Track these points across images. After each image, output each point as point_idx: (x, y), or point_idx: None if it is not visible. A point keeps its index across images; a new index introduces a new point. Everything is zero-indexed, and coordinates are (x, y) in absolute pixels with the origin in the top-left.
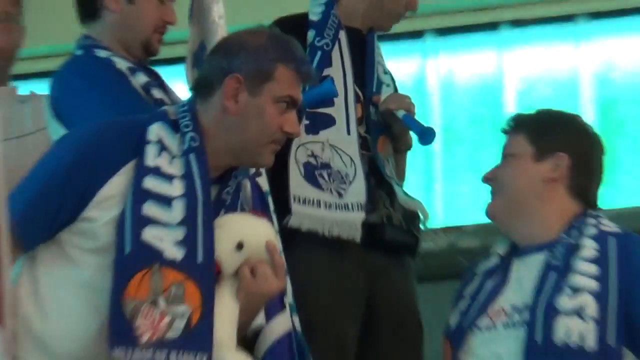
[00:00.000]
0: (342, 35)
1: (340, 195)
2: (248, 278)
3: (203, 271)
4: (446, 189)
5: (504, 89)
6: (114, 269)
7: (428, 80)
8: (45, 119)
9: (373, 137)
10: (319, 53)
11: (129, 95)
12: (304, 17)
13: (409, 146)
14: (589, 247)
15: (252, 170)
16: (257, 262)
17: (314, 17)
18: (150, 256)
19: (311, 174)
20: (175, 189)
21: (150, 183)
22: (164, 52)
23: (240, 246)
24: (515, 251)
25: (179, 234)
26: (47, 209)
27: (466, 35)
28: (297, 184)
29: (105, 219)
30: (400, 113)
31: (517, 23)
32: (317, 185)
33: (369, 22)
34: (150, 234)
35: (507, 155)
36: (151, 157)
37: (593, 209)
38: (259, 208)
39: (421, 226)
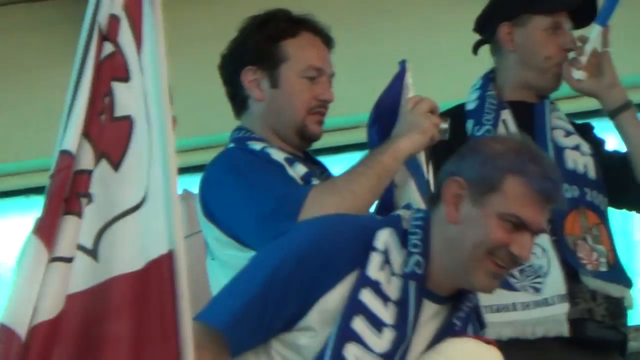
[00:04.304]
0: (507, 114)
1: (537, 290)
2: None
3: None
4: None
5: None
6: None
7: None
8: (198, 220)
9: (558, 218)
10: None
11: (286, 184)
12: (460, 107)
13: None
14: None
15: None
16: None
17: (470, 105)
18: None
19: None
20: (389, 315)
21: (367, 297)
22: (330, 140)
23: None
24: None
25: None
26: (266, 309)
27: None
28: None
29: (323, 336)
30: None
31: None
32: (509, 287)
33: (529, 88)
34: (351, 352)
35: None
36: (374, 268)
37: None
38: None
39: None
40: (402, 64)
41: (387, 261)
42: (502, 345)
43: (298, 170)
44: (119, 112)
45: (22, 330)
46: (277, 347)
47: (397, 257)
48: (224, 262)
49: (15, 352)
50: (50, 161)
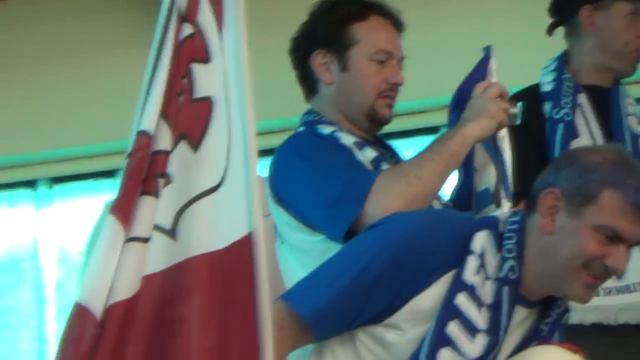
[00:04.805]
0: (582, 97)
1: (618, 276)
2: None
3: None
4: None
5: None
6: None
7: None
8: (267, 204)
9: None
10: (561, 126)
11: (354, 169)
12: (535, 89)
13: None
14: None
15: None
16: None
17: (546, 87)
18: None
19: None
20: (482, 319)
21: (463, 301)
22: (401, 124)
23: None
24: None
25: None
26: (352, 305)
27: None
28: None
29: (414, 334)
30: None
31: None
32: None
33: (606, 72)
34: (445, 357)
35: None
36: (470, 272)
37: None
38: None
39: None
40: (487, 49)
41: (482, 265)
42: (586, 330)
43: (368, 154)
44: (199, 93)
45: (97, 310)
46: (363, 339)
47: (492, 260)
48: (294, 246)
49: (90, 331)
50: (119, 144)
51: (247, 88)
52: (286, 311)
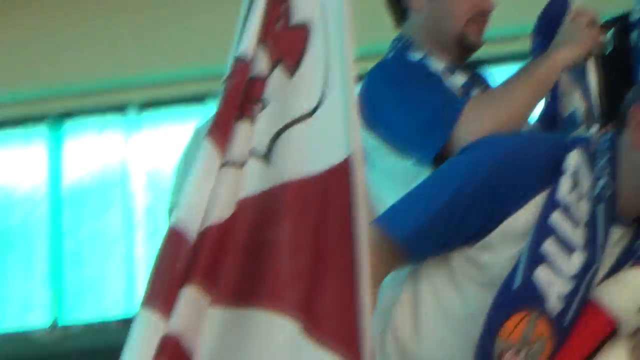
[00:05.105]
0: None
1: None
2: None
3: (564, 335)
4: None
5: None
6: (496, 302)
7: None
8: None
9: None
10: None
11: (443, 96)
12: (624, 17)
13: None
14: None
15: None
16: None
17: (635, 15)
18: (535, 300)
19: None
20: (578, 237)
21: (557, 220)
22: (492, 50)
23: None
24: None
25: (567, 288)
26: (446, 226)
27: None
28: None
29: (507, 254)
30: None
31: None
32: None
33: None
34: (542, 275)
35: None
36: (564, 191)
37: None
38: None
39: None
40: None
41: (576, 183)
42: None
43: (457, 80)
44: (296, 19)
45: (191, 234)
46: (458, 261)
47: (585, 179)
48: (384, 171)
49: (184, 255)
50: (209, 70)
51: (346, 12)
52: (380, 235)
